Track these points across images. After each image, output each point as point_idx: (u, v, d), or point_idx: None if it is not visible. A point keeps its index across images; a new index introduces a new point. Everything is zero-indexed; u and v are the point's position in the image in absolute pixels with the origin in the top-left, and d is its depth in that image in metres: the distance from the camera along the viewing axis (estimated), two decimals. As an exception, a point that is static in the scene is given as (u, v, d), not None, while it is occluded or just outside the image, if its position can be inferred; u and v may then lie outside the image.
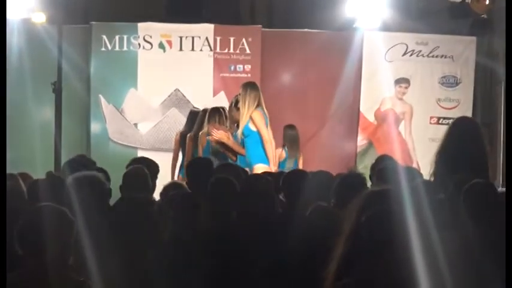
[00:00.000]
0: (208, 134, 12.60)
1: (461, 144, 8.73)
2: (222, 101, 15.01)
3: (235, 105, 12.64)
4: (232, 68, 16.01)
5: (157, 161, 10.49)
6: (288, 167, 13.66)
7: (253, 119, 12.16)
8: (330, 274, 4.37)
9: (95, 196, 6.77)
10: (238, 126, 12.37)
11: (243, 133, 12.13)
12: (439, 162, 8.75)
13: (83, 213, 6.03)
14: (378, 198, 4.39)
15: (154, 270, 6.19)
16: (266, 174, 9.52)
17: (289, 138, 14.65)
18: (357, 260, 4.24)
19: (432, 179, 8.59)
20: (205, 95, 15.42)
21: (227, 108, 13.17)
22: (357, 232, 4.27)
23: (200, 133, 12.89)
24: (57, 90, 13.44)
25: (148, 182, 8.14)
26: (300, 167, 13.62)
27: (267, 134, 12.22)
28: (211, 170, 8.86)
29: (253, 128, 12.16)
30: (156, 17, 16.16)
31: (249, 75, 15.56)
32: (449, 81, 16.43)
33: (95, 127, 15.76)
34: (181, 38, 15.97)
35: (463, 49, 16.47)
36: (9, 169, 9.62)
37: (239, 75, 15.67)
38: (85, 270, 5.66)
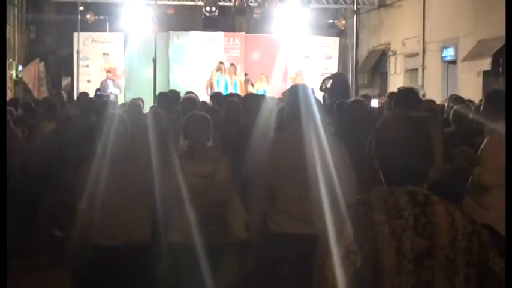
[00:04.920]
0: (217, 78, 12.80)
1: (337, 83, 8.49)
2: (227, 64, 14.41)
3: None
4: (232, 51, 15.50)
5: (199, 91, 10.33)
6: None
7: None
8: None
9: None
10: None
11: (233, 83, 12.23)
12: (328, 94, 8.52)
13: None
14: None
15: None
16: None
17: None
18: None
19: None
20: (220, 63, 14.91)
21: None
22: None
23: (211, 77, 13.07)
24: (155, 62, 13.27)
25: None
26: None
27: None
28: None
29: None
30: (197, 29, 15.82)
31: (240, 55, 15.20)
32: (327, 57, 16.06)
33: (172, 77, 15.26)
34: (209, 38, 15.53)
35: (333, 43, 16.18)
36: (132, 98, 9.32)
37: (235, 55, 15.27)
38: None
